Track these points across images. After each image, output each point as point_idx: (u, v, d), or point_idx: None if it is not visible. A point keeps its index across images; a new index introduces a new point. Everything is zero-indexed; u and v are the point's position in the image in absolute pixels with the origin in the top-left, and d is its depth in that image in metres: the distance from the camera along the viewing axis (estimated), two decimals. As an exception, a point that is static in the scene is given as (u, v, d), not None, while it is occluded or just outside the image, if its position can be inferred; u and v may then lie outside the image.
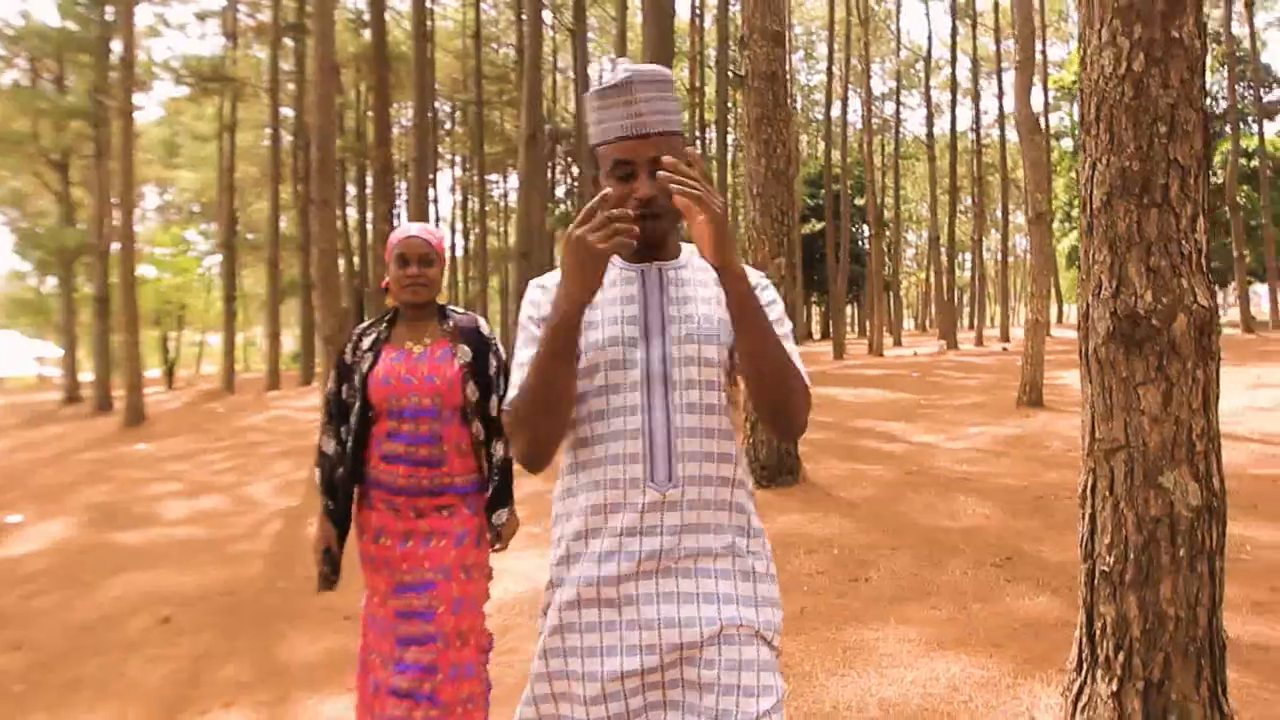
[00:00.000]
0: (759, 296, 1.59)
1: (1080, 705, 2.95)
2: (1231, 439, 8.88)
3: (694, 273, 1.69)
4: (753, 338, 1.52)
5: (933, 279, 43.52)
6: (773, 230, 7.19)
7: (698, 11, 33.09)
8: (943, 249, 38.48)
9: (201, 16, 30.21)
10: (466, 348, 2.81)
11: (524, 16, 18.26)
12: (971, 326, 39.65)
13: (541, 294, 1.69)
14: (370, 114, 25.89)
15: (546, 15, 30.81)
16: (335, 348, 11.57)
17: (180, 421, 18.95)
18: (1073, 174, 44.86)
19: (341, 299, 12.20)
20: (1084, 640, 2.97)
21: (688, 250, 1.73)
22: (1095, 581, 2.92)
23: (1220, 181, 29.34)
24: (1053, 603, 4.51)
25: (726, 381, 1.64)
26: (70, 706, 3.92)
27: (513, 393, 1.59)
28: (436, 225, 36.28)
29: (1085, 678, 2.95)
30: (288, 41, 28.34)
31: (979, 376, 18.32)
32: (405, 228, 2.87)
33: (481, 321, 2.91)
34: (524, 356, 1.63)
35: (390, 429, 2.73)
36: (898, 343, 38.65)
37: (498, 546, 2.88)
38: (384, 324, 2.87)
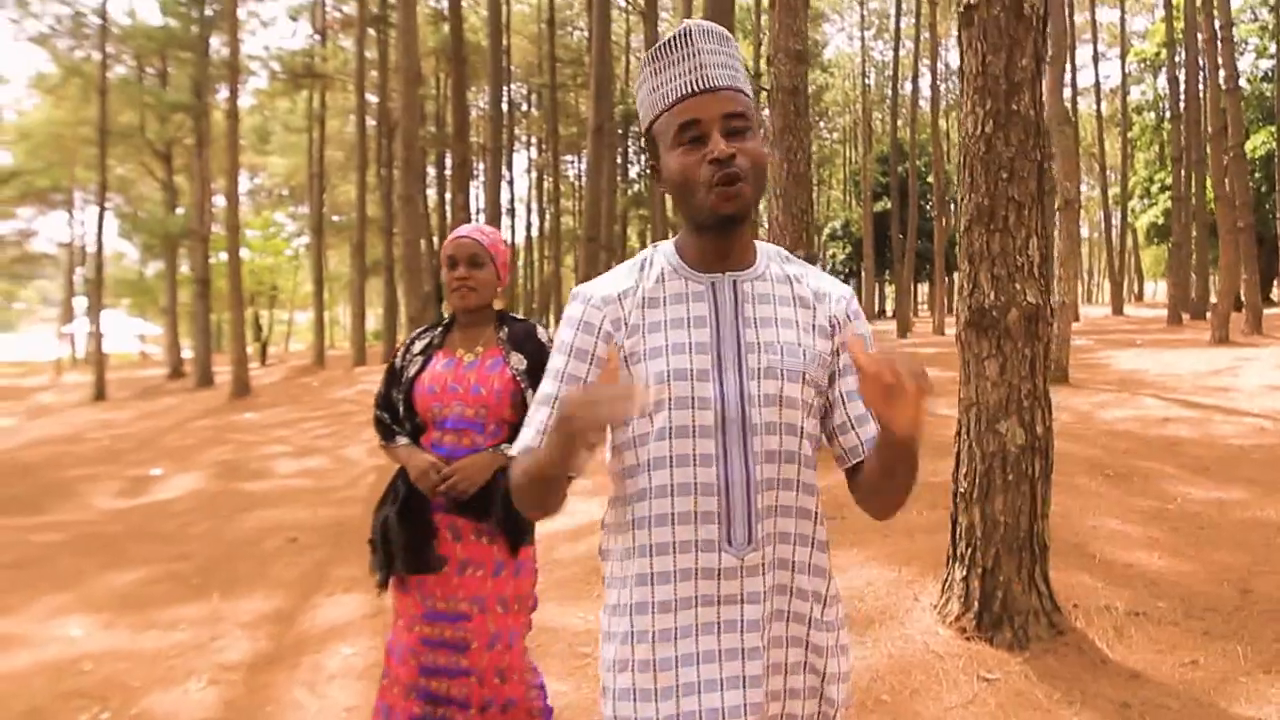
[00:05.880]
0: (859, 327, 1.46)
1: (944, 587, 4.13)
2: (1228, 413, 9.68)
3: (772, 285, 1.44)
4: (899, 481, 1.39)
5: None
6: (792, 226, 8.29)
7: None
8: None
9: (294, 15, 32.11)
10: (520, 356, 2.61)
11: (593, 6, 19.34)
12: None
13: (580, 310, 1.44)
14: (449, 99, 27.30)
15: (620, -1, 31.92)
16: (419, 326, 13.02)
17: (280, 394, 20.77)
18: (1154, 149, 43.90)
19: (424, 282, 13.60)
20: (950, 543, 4.12)
21: (764, 253, 1.47)
22: (956, 499, 4.07)
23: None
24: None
25: (813, 427, 1.44)
26: (235, 591, 5.37)
27: (519, 444, 1.45)
28: (511, 206, 37.68)
29: (950, 569, 4.11)
30: (371, 32, 29.98)
31: (1024, 354, 18.77)
32: (458, 229, 2.70)
33: (539, 328, 2.71)
34: (547, 390, 1.45)
35: (434, 440, 2.58)
36: (963, 321, 38.60)
37: (441, 484, 2.51)
38: (439, 329, 2.73)
